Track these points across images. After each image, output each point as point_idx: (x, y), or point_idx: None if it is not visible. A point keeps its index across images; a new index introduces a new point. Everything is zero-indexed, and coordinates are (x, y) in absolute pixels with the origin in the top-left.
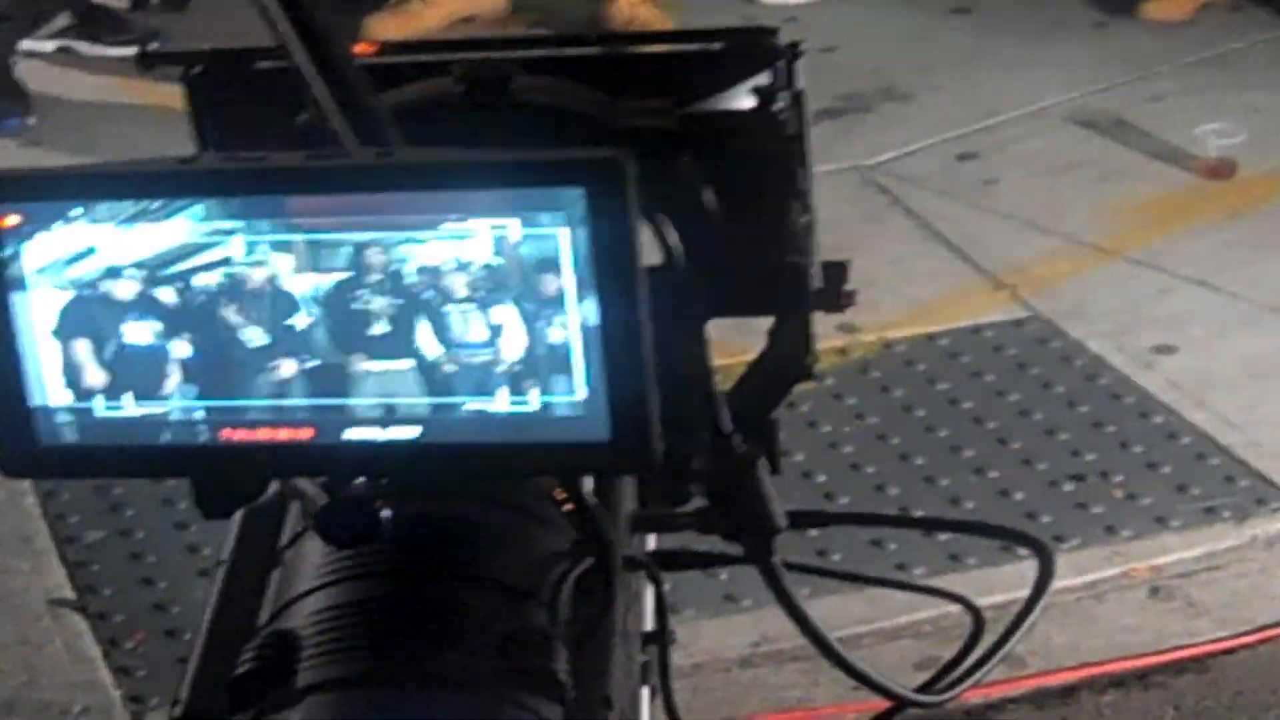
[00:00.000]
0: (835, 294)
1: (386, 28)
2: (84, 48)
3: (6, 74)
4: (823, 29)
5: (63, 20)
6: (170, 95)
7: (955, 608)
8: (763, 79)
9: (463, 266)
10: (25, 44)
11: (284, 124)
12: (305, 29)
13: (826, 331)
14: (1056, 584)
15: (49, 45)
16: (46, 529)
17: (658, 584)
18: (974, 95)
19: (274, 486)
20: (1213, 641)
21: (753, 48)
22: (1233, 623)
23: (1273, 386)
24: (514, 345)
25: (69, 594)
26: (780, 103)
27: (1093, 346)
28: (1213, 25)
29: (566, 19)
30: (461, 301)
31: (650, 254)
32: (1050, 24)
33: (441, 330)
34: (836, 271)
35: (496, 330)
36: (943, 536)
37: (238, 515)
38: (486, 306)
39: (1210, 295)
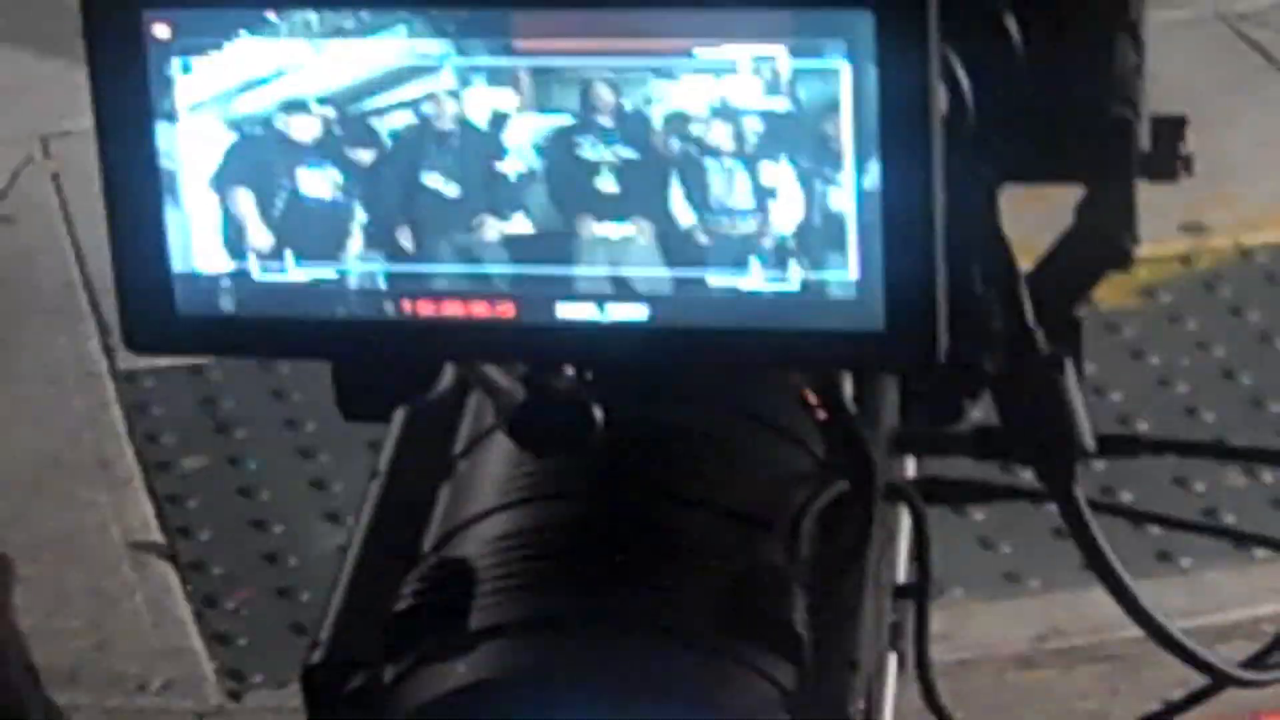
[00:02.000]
0: (1168, 158)
1: None
2: None
3: None
4: None
5: None
6: None
7: None
8: None
9: (726, 111)
10: None
11: None
12: None
13: (1165, 231)
14: None
15: None
16: (132, 452)
17: (921, 520)
18: None
19: (445, 380)
20: None
21: None
22: None
23: None
24: (787, 212)
25: (156, 537)
26: None
27: None
28: None
29: None
30: (725, 155)
31: None
32: None
33: (697, 191)
34: (1170, 129)
35: (767, 193)
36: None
37: (399, 414)
38: (755, 162)
39: None
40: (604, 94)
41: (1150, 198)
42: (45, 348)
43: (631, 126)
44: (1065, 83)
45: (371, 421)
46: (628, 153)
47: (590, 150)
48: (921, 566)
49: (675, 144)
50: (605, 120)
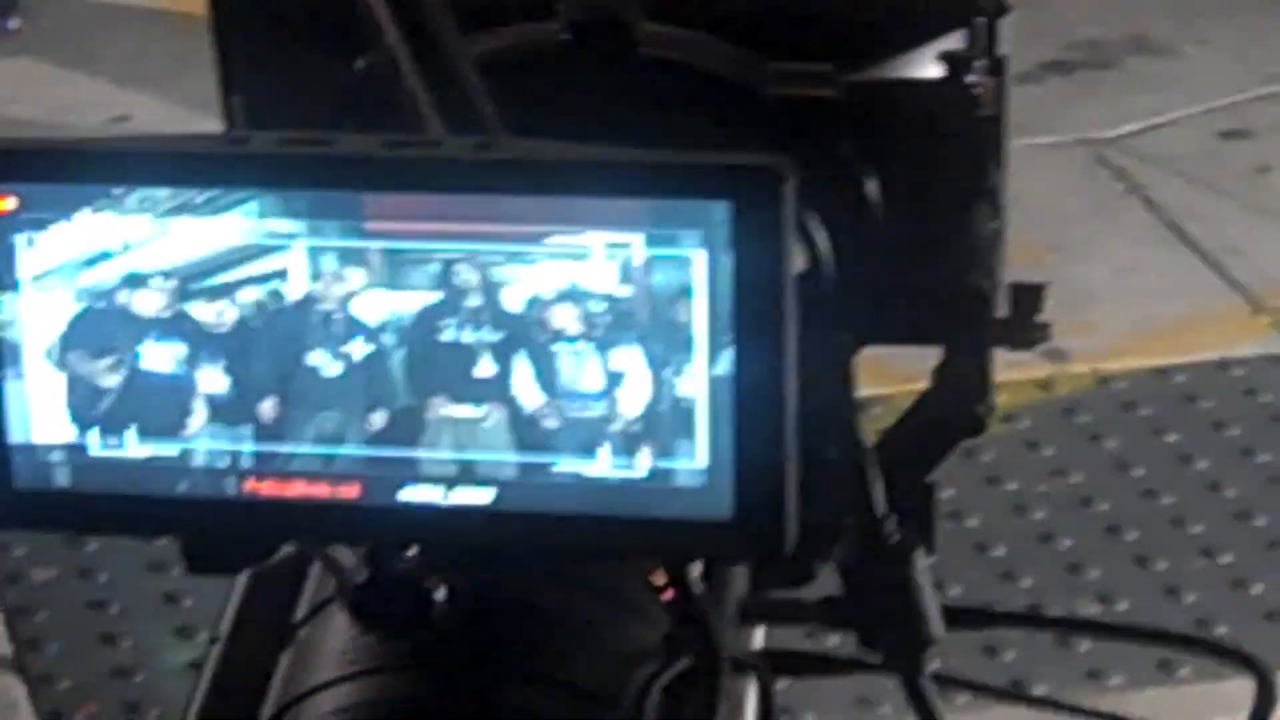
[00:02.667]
0: (1023, 326)
1: None
2: None
3: None
4: None
5: None
6: None
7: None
8: (954, 41)
9: (578, 295)
10: None
11: (336, 68)
12: None
13: (1025, 358)
14: None
15: None
16: None
17: (768, 694)
18: (1252, 53)
19: (288, 546)
20: None
21: None
22: None
23: None
24: (635, 398)
25: (4, 649)
26: (975, 73)
27: None
28: None
29: None
30: (576, 340)
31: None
32: None
33: (546, 374)
34: (1028, 297)
35: (615, 378)
36: None
37: (241, 579)
38: (605, 347)
39: None
40: (458, 276)
41: None
42: None
43: (485, 309)
44: (924, 250)
45: (217, 576)
46: (480, 335)
47: (443, 332)
48: None
49: (527, 327)
50: (459, 302)
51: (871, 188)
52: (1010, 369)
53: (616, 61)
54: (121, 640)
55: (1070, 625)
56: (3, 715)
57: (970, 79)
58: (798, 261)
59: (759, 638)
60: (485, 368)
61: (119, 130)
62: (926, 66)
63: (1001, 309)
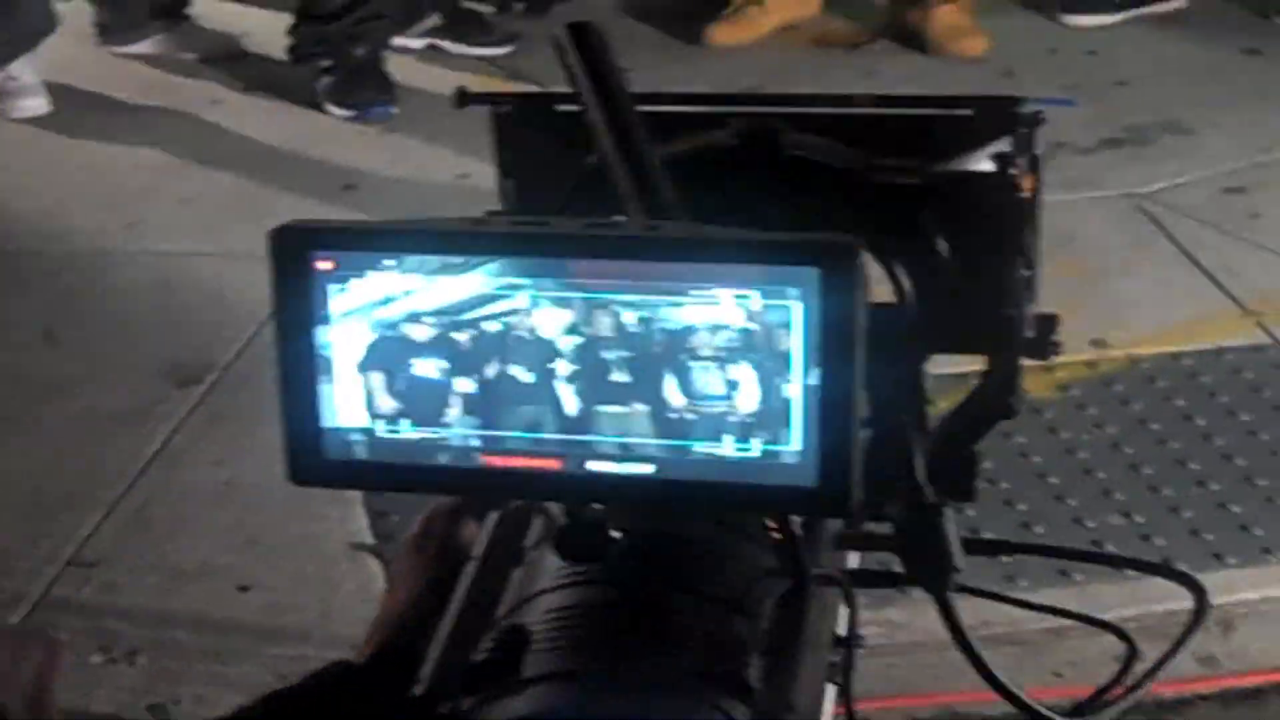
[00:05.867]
0: (1043, 344)
1: (725, 35)
2: (450, 47)
3: (378, 66)
4: (1119, 62)
5: (433, 20)
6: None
7: (1162, 607)
8: (1004, 145)
9: (715, 328)
10: (398, 41)
11: (576, 160)
12: (599, 80)
13: (1079, 346)
14: (1269, 591)
15: (418, 43)
16: None
17: (851, 600)
18: (1252, 133)
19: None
20: None
21: (999, 115)
22: None
23: None
24: (748, 400)
25: (368, 540)
26: (1017, 168)
27: None
28: None
29: (874, 27)
30: (706, 359)
31: (885, 294)
32: None
33: (686, 383)
34: (1047, 324)
35: (733, 385)
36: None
37: (491, 517)
38: (726, 364)
39: None
40: (628, 315)
41: (1069, 323)
42: None
43: (644, 338)
44: (977, 290)
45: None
46: (640, 355)
47: (615, 353)
48: (850, 628)
49: (673, 351)
50: (628, 332)
51: (943, 246)
52: (1067, 354)
53: (768, 159)
54: None
55: (1053, 552)
56: (368, 586)
57: (1013, 171)
58: (863, 324)
59: (853, 560)
60: (643, 378)
61: (461, 185)
62: (983, 162)
63: (1029, 331)
